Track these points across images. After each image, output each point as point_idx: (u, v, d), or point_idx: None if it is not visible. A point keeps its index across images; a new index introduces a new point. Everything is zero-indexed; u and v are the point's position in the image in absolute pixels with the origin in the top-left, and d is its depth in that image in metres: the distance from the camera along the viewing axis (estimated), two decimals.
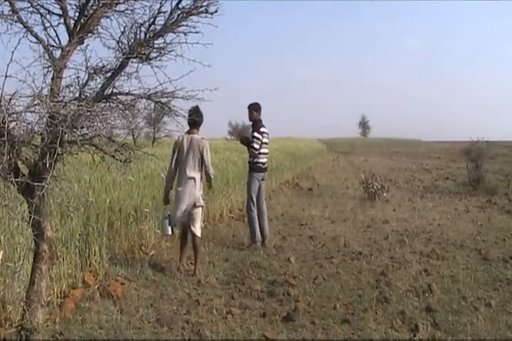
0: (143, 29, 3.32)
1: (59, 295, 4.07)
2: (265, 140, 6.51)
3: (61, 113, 2.66)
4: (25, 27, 3.06)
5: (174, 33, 3.36)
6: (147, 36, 3.32)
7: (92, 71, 3.20)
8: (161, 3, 3.29)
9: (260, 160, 6.48)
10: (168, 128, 25.76)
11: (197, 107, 5.06)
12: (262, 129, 6.44)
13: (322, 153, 31.48)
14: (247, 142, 6.47)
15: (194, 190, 5.12)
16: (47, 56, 3.08)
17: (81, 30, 3.16)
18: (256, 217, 6.46)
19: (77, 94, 3.11)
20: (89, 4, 3.17)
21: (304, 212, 9.22)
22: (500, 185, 13.38)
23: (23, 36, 3.02)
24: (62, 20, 3.20)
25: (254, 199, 6.48)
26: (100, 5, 3.12)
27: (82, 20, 3.18)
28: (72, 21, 3.20)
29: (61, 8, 3.17)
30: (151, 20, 3.31)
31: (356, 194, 11.80)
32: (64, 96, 3.05)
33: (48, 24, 3.19)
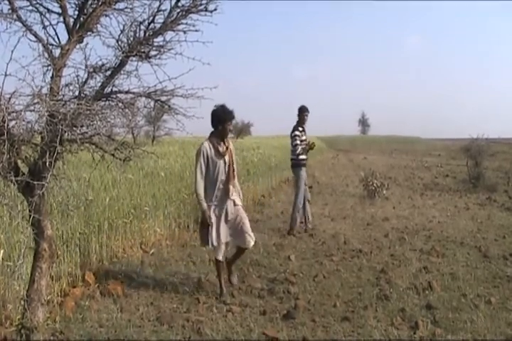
0: (142, 27, 3.32)
1: (59, 293, 4.08)
2: (303, 138, 7.38)
3: (61, 111, 2.67)
4: (24, 26, 3.06)
5: (173, 31, 3.37)
6: (146, 34, 3.32)
7: (91, 69, 3.20)
8: (160, 1, 3.29)
9: (303, 157, 7.38)
10: (168, 127, 25.60)
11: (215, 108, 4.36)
12: (300, 128, 7.29)
13: (322, 151, 31.42)
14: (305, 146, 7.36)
15: None
16: (46, 55, 3.08)
17: (80, 28, 3.16)
18: (301, 209, 7.28)
19: (76, 93, 3.12)
20: (89, 3, 3.17)
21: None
22: (500, 182, 13.34)
23: (23, 35, 3.03)
24: (61, 19, 3.21)
25: (302, 192, 7.20)
26: (99, 3, 3.12)
27: (81, 19, 3.18)
28: (72, 20, 3.21)
29: (60, 7, 3.17)
30: (151, 18, 3.31)
31: (356, 191, 11.80)
32: (63, 95, 3.06)
33: (47, 23, 3.20)
